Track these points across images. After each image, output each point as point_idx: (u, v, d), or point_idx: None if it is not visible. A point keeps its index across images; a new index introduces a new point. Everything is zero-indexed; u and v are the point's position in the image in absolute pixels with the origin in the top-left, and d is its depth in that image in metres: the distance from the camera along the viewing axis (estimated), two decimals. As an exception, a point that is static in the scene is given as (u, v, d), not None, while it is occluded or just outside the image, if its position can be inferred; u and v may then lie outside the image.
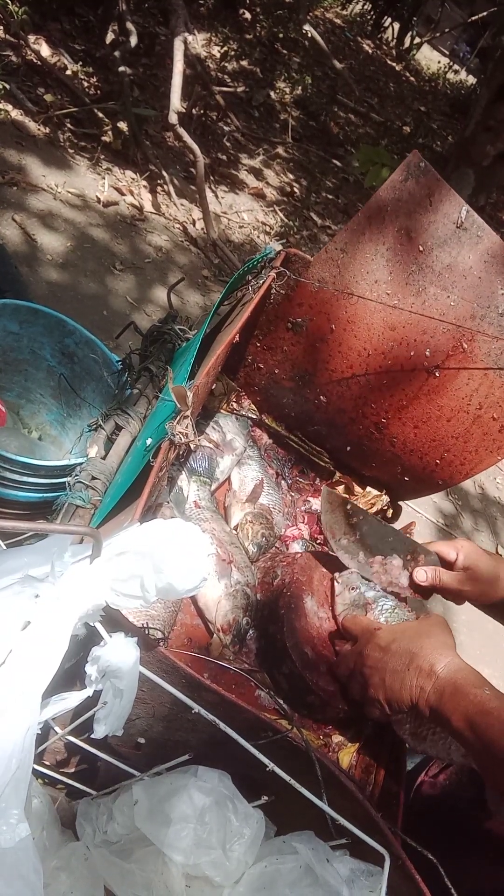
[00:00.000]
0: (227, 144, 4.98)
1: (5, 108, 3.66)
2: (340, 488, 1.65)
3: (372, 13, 9.19)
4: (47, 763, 0.93)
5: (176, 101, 3.76)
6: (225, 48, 5.71)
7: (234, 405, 1.63)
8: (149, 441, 1.00)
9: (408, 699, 0.98)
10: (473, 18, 7.95)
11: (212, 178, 4.53)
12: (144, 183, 4.01)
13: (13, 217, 3.18)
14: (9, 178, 3.33)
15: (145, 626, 1.04)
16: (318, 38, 5.72)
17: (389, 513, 1.66)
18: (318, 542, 1.52)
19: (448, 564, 1.26)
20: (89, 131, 4.00)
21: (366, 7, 9.21)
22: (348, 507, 1.30)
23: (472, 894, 0.81)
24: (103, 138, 3.98)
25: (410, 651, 1.01)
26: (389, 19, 9.26)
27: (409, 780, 1.28)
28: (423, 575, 1.25)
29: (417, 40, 9.57)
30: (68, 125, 3.93)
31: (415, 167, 1.24)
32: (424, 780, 1.26)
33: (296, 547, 1.46)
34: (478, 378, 1.36)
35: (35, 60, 3.98)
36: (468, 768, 1.17)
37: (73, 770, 0.95)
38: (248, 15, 6.45)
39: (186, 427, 0.97)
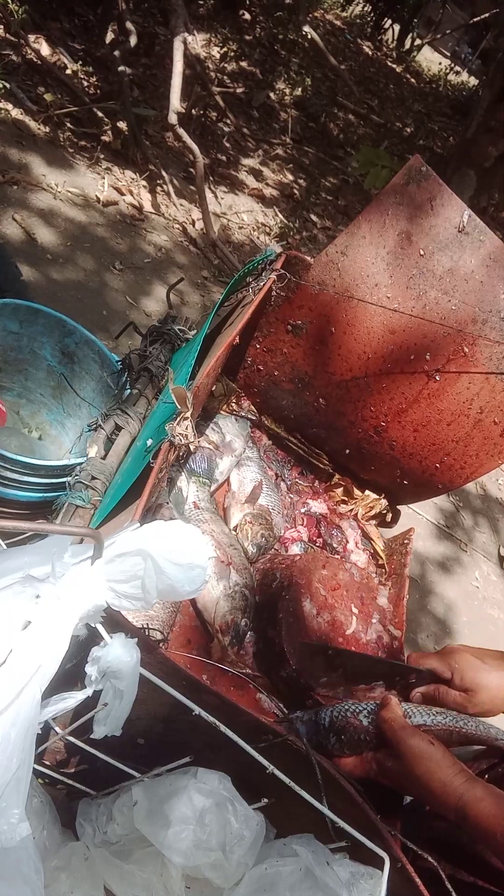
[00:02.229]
0: (227, 145, 4.98)
1: (5, 108, 3.66)
2: (339, 490, 1.65)
3: (372, 15, 9.19)
4: (47, 763, 0.93)
5: (175, 102, 3.76)
6: (225, 49, 5.71)
7: (234, 407, 1.63)
8: (149, 442, 1.00)
9: (438, 808, 0.95)
10: (475, 20, 7.97)
11: (211, 178, 4.53)
12: (144, 183, 4.01)
13: (13, 216, 3.18)
14: (9, 178, 3.33)
15: (145, 627, 1.05)
16: (318, 39, 5.72)
17: (388, 517, 1.66)
18: (318, 544, 1.52)
19: (444, 681, 1.17)
20: (89, 131, 4.00)
21: (366, 8, 9.21)
22: (329, 651, 1.21)
23: None
24: (103, 138, 3.98)
25: (440, 777, 0.95)
26: (390, 21, 9.26)
27: (416, 809, 1.26)
28: (420, 699, 1.17)
29: (418, 42, 9.57)
30: (68, 124, 3.92)
31: (416, 171, 1.24)
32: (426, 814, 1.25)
33: (294, 549, 1.46)
34: (479, 382, 1.36)
35: (35, 60, 3.97)
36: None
37: (73, 770, 0.95)
38: (247, 16, 6.45)
39: (186, 428, 0.97)
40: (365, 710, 1.04)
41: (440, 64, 9.98)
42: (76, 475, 1.14)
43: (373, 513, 1.64)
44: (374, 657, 1.28)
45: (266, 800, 0.83)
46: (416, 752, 0.96)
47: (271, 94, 5.90)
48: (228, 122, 4.98)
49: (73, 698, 0.70)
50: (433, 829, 1.16)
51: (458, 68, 10.36)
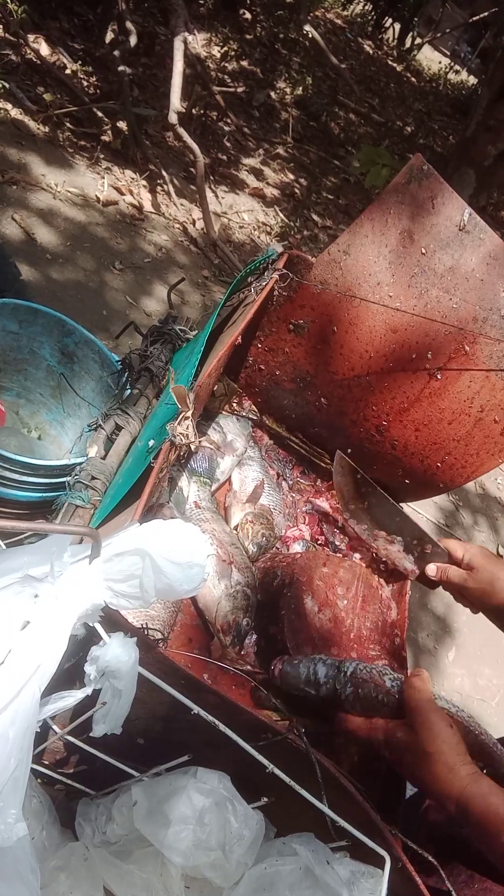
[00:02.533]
0: (228, 144, 4.97)
1: (5, 107, 3.66)
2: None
3: (373, 14, 9.19)
4: (46, 763, 0.93)
5: (176, 101, 3.76)
6: (225, 48, 5.71)
7: (236, 406, 1.63)
8: (151, 443, 1.00)
9: (438, 794, 0.94)
10: (474, 19, 7.97)
11: (212, 177, 4.52)
12: (144, 182, 4.01)
13: (13, 216, 3.18)
14: (9, 177, 3.33)
15: (145, 626, 1.04)
16: (319, 38, 5.72)
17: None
18: (319, 542, 1.52)
19: (455, 562, 1.30)
20: (89, 130, 4.00)
21: (366, 7, 9.21)
22: (358, 476, 1.34)
23: None
24: (103, 137, 3.98)
25: (449, 761, 0.93)
26: (390, 20, 9.26)
27: (414, 806, 1.27)
28: (433, 570, 1.32)
29: (418, 41, 9.57)
30: (68, 124, 3.92)
31: (417, 170, 1.24)
32: (430, 805, 1.25)
33: (296, 548, 1.46)
34: (480, 381, 1.36)
35: (34, 59, 3.97)
36: None
37: (72, 770, 0.95)
38: (248, 15, 6.45)
39: (187, 428, 0.97)
40: (392, 675, 1.03)
41: (440, 63, 9.98)
42: (76, 475, 1.14)
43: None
44: (396, 505, 1.36)
45: (266, 799, 0.82)
46: (433, 729, 0.94)
47: (272, 94, 5.90)
48: (229, 121, 4.98)
49: (72, 697, 0.69)
50: (431, 829, 1.16)
51: (457, 67, 10.37)
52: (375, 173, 4.65)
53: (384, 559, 1.35)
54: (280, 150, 5.47)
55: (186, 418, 0.97)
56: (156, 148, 4.31)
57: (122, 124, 4.01)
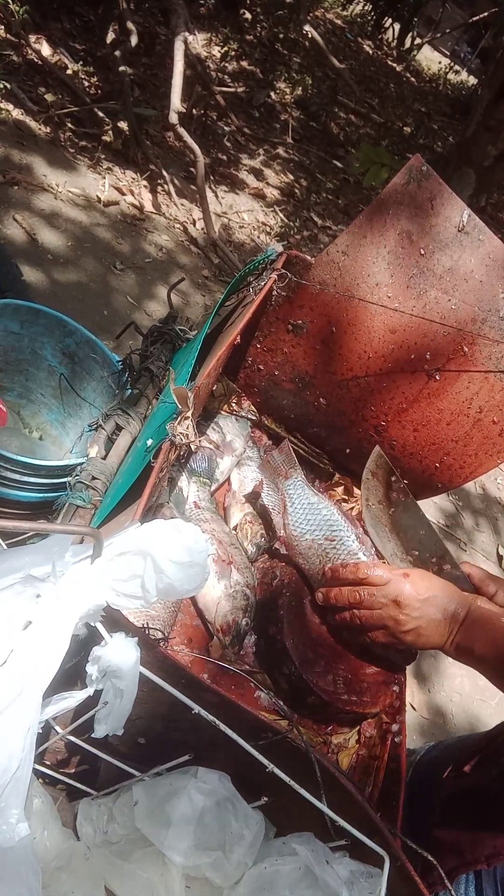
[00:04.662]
0: (228, 144, 4.98)
1: (6, 108, 3.66)
2: (340, 490, 1.65)
3: (372, 14, 9.19)
4: (48, 763, 0.93)
5: (176, 101, 3.76)
6: (225, 48, 5.71)
7: (235, 406, 1.63)
8: (150, 442, 1.00)
9: (438, 643, 1.09)
10: (474, 19, 7.97)
11: (212, 178, 4.53)
12: (145, 183, 4.01)
13: (14, 216, 3.18)
14: (10, 178, 3.33)
15: (146, 626, 1.05)
16: (319, 38, 5.73)
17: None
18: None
19: (483, 594, 1.19)
20: (90, 131, 4.00)
21: (366, 8, 9.22)
22: (392, 478, 1.30)
23: None
24: (104, 138, 3.98)
25: (444, 602, 1.09)
26: (390, 20, 9.26)
27: (434, 775, 1.29)
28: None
29: (418, 41, 9.57)
30: (69, 125, 3.93)
31: (417, 170, 1.24)
32: (448, 776, 1.26)
33: (295, 548, 1.46)
34: (478, 382, 1.36)
35: (36, 60, 3.98)
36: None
37: (73, 770, 0.95)
38: (248, 15, 6.45)
39: (187, 428, 0.97)
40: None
41: (440, 63, 9.99)
42: (77, 475, 1.14)
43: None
44: (426, 518, 1.30)
45: (266, 798, 0.83)
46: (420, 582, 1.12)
47: (272, 94, 5.90)
48: (229, 121, 4.98)
49: (74, 698, 0.70)
50: (453, 799, 1.17)
51: (457, 67, 10.37)
52: (374, 172, 4.65)
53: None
54: (280, 151, 5.47)
55: (186, 418, 0.97)
56: (156, 148, 4.31)
57: (122, 124, 4.01)
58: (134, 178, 3.99)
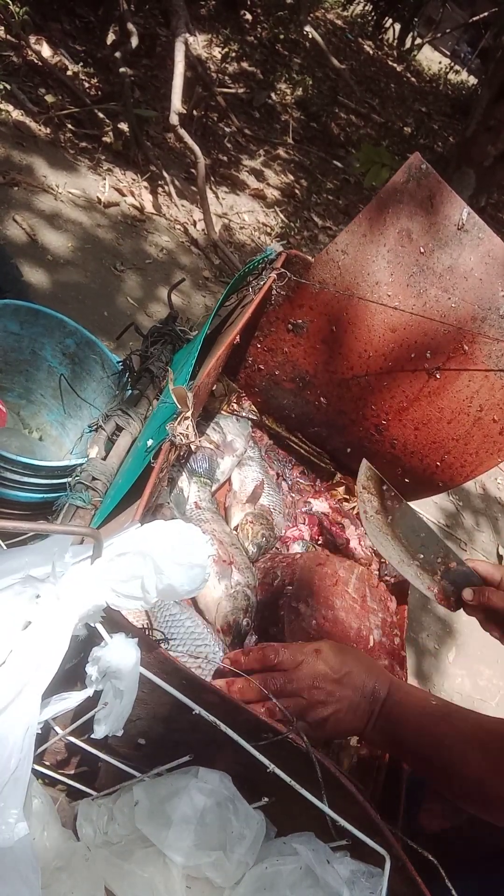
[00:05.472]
0: (228, 145, 4.98)
1: (6, 109, 3.66)
2: (341, 489, 1.65)
3: (373, 14, 9.19)
4: (48, 763, 0.93)
5: (177, 102, 3.76)
6: (226, 49, 5.71)
7: (235, 406, 1.63)
8: (150, 442, 1.00)
9: (360, 728, 0.97)
10: (474, 19, 7.97)
11: (212, 179, 4.53)
12: (145, 184, 4.01)
13: (14, 217, 3.18)
14: (10, 179, 3.33)
15: (146, 626, 1.05)
16: (319, 39, 5.73)
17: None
18: (319, 543, 1.52)
19: (492, 585, 1.19)
20: (90, 132, 4.00)
21: (367, 8, 9.22)
22: (384, 487, 1.27)
23: None
24: (104, 139, 3.98)
25: (363, 682, 0.97)
26: (390, 20, 9.26)
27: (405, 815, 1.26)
28: (470, 594, 1.18)
29: (418, 41, 9.57)
30: (69, 126, 3.93)
31: (416, 169, 1.24)
32: (423, 810, 1.25)
33: (296, 548, 1.46)
34: (478, 380, 1.36)
35: (36, 61, 3.98)
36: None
37: (73, 771, 0.95)
38: (249, 16, 6.46)
39: (187, 428, 0.97)
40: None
41: (440, 63, 9.98)
42: (77, 476, 1.14)
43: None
44: (422, 519, 1.28)
45: (266, 798, 0.83)
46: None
47: (272, 95, 5.90)
48: (230, 122, 4.98)
49: (74, 698, 0.70)
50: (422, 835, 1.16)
51: (457, 67, 10.37)
52: (374, 172, 4.65)
53: (394, 577, 1.29)
54: (280, 151, 5.47)
55: (186, 418, 0.97)
56: (157, 149, 4.32)
57: (123, 126, 4.01)
58: (134, 179, 3.99)
